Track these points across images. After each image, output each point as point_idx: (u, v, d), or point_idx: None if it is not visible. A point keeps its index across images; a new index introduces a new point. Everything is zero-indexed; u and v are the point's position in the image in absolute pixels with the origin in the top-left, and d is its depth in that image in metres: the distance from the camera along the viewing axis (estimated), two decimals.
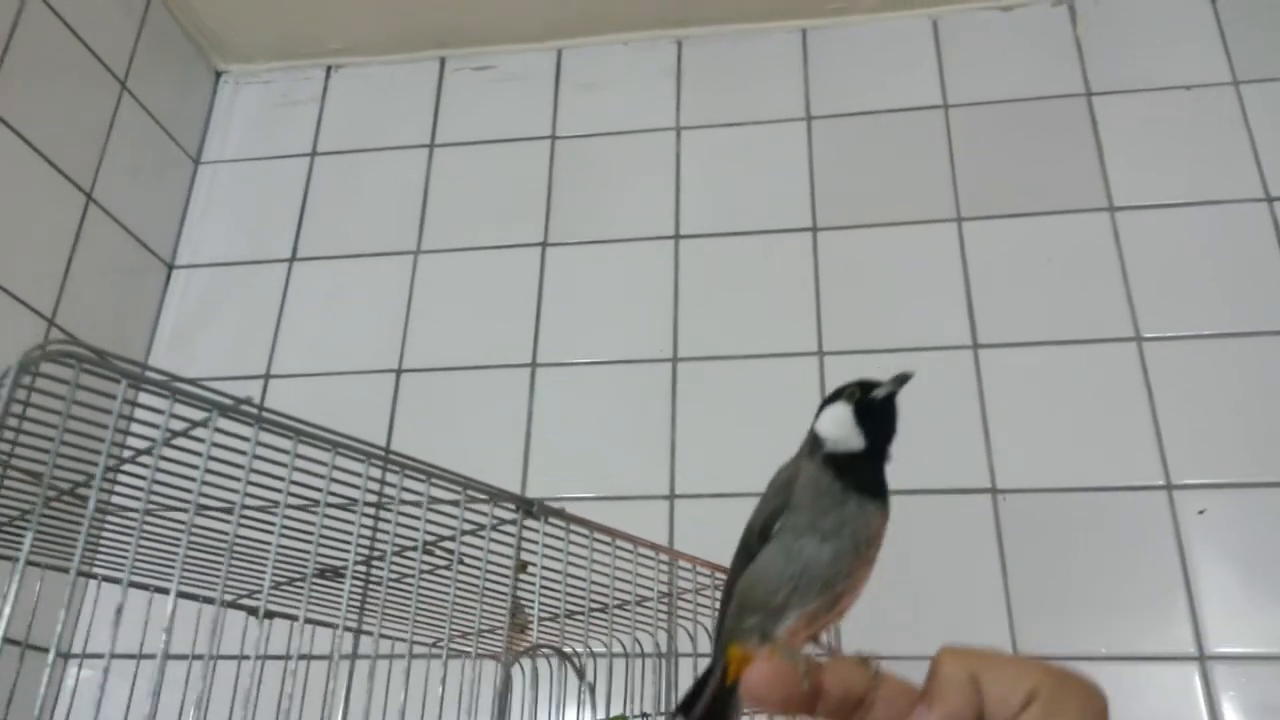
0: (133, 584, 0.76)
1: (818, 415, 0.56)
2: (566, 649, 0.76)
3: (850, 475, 0.51)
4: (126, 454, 0.55)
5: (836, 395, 0.56)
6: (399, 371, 1.46)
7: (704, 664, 0.82)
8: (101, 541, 0.70)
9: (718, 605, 0.81)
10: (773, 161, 1.53)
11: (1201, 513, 1.21)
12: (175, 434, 0.49)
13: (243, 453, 0.50)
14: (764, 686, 0.33)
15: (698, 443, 1.35)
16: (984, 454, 1.28)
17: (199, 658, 0.54)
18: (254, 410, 0.50)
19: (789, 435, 1.36)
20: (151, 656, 0.60)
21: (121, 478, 0.61)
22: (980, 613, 1.20)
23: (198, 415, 0.50)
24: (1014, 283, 1.38)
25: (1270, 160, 1.39)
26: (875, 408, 0.55)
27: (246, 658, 0.57)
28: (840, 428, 0.54)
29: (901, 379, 0.55)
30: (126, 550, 0.53)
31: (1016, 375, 1.32)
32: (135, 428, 0.54)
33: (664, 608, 0.75)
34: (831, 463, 0.53)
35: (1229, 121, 1.43)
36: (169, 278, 1.59)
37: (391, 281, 1.53)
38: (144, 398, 0.53)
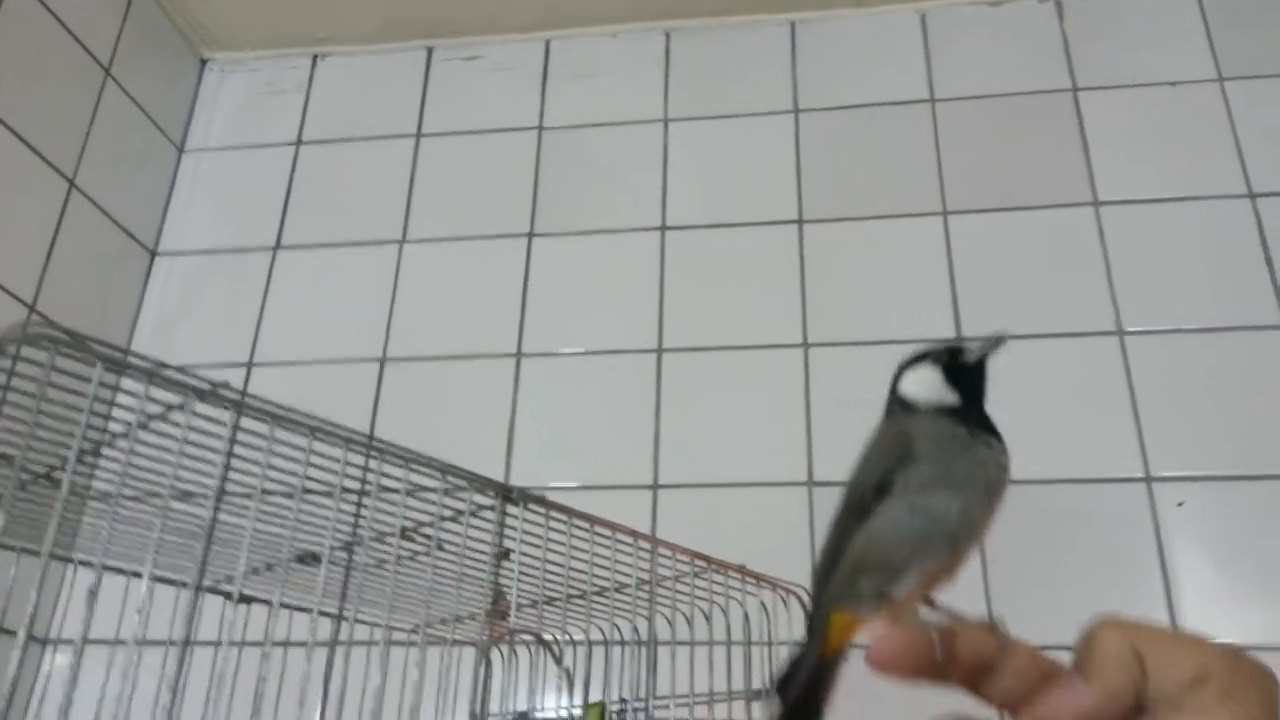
0: (108, 568, 0.76)
1: (896, 380, 0.51)
2: (545, 636, 0.77)
3: (966, 420, 0.47)
4: (105, 439, 0.55)
5: (918, 359, 0.51)
6: (383, 360, 1.46)
7: (682, 652, 0.83)
8: (79, 526, 0.70)
9: (697, 592, 0.81)
10: (760, 154, 1.53)
11: (1180, 505, 1.22)
12: (152, 418, 0.49)
13: (220, 437, 0.50)
14: (896, 656, 0.31)
15: (682, 433, 1.36)
16: None
17: (174, 644, 0.54)
18: (231, 395, 0.50)
19: (772, 424, 1.37)
20: (124, 643, 0.60)
21: (100, 462, 0.61)
22: (959, 600, 1.20)
23: (175, 400, 0.50)
24: (998, 276, 1.39)
25: (1253, 157, 1.39)
26: (967, 371, 0.50)
27: (221, 643, 0.57)
28: (930, 389, 0.50)
29: (997, 340, 0.52)
30: (101, 534, 0.53)
31: (999, 368, 1.32)
32: (115, 413, 0.54)
33: (643, 595, 0.75)
34: (946, 413, 0.48)
35: (1213, 118, 1.43)
36: (152, 265, 1.59)
37: (377, 270, 1.52)
38: (123, 383, 0.53)
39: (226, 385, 0.49)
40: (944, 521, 0.45)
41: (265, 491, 0.53)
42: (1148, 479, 1.24)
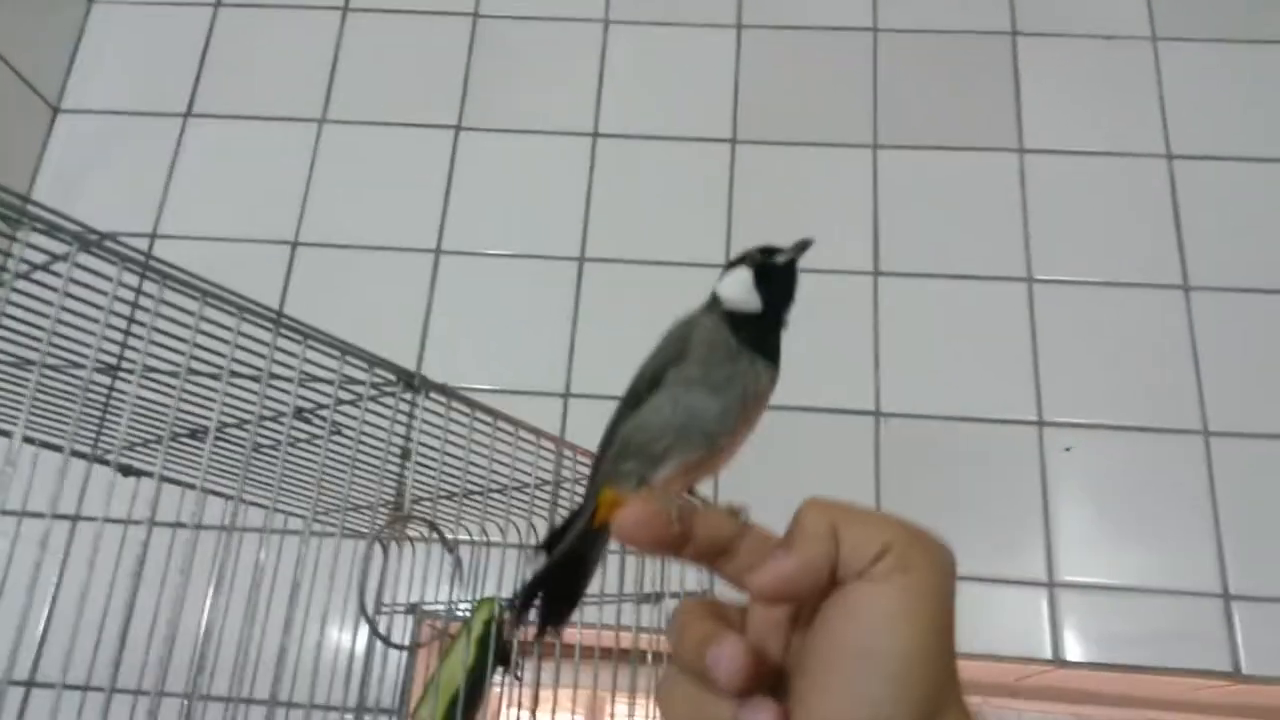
0: None
1: (720, 278, 0.56)
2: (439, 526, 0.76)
3: (746, 333, 0.52)
4: None
5: (740, 260, 0.56)
6: (295, 244, 1.41)
7: None
8: None
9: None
10: (699, 67, 1.50)
11: (1068, 450, 1.27)
12: (35, 267, 0.46)
13: (104, 293, 0.48)
14: (636, 526, 0.33)
15: (598, 344, 1.35)
16: (872, 378, 1.31)
17: (39, 515, 0.52)
18: (120, 248, 0.47)
19: None
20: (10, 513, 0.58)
21: None
22: None
23: (60, 250, 0.47)
24: (919, 214, 1.40)
25: (1176, 118, 1.42)
26: (775, 272, 0.55)
27: (93, 519, 0.55)
28: (740, 289, 0.54)
29: (802, 245, 0.56)
30: None
31: (912, 305, 1.35)
32: (6, 263, 0.51)
33: (541, 495, 0.75)
34: (729, 320, 0.53)
35: (1142, 76, 1.46)
36: (53, 122, 1.49)
37: (293, 148, 1.46)
38: (6, 231, 0.50)
39: (113, 236, 0.46)
40: (701, 418, 0.49)
41: (154, 358, 0.50)
42: (1040, 423, 1.28)
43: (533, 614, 0.55)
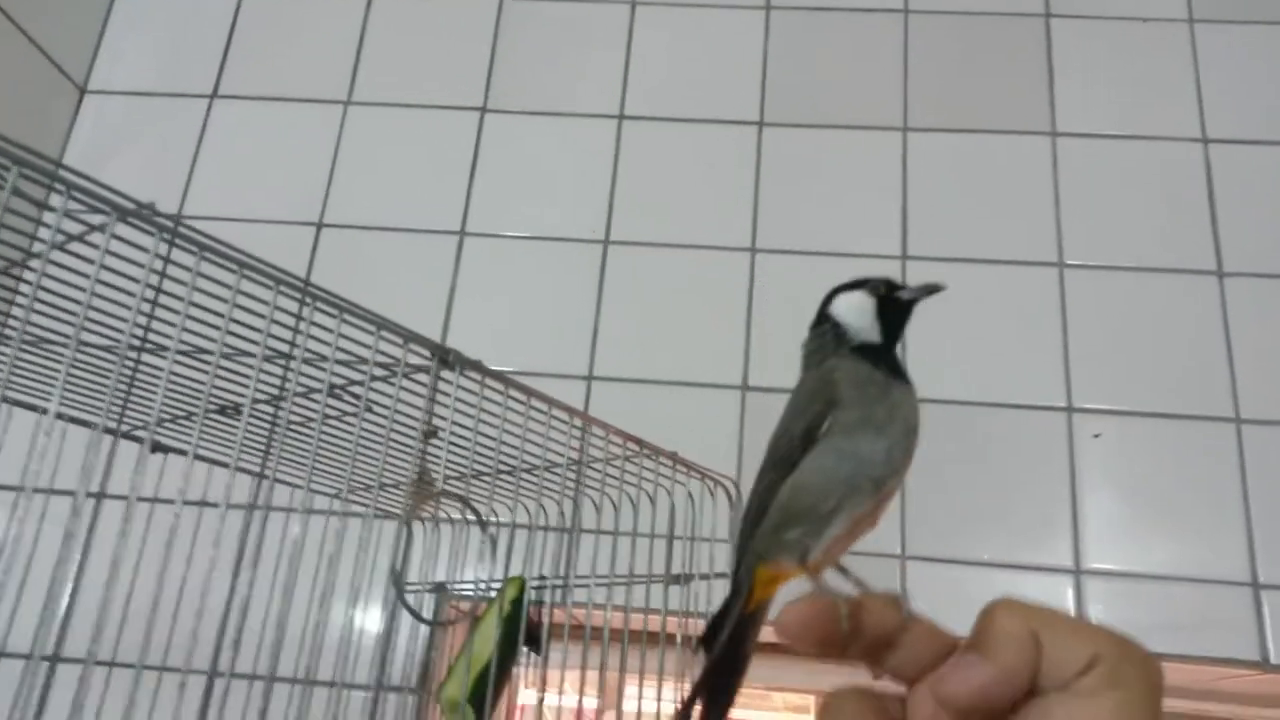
0: (16, 401, 0.73)
1: (829, 301, 0.53)
2: (471, 503, 0.76)
3: (882, 364, 0.49)
4: (20, 259, 0.52)
5: (856, 285, 0.53)
6: (319, 225, 1.41)
7: (606, 542, 0.83)
8: None
9: (627, 476, 0.81)
10: (727, 49, 1.49)
11: (1097, 436, 1.25)
12: (71, 238, 0.46)
13: (141, 265, 0.47)
14: (804, 627, 0.31)
15: (621, 327, 1.35)
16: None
17: (69, 494, 0.52)
18: (157, 217, 0.46)
19: (714, 326, 1.37)
20: (21, 489, 0.58)
21: (20, 287, 0.57)
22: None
23: (97, 221, 0.46)
24: (949, 198, 1.39)
25: (1212, 102, 1.40)
26: (898, 308, 0.52)
27: (127, 498, 0.55)
28: (863, 317, 0.51)
29: (931, 289, 0.53)
30: (5, 360, 0.49)
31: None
32: (44, 234, 0.50)
33: (572, 475, 0.75)
34: (864, 353, 0.50)
35: (1179, 59, 1.43)
36: (81, 102, 1.50)
37: (318, 130, 1.46)
38: (45, 202, 0.50)
39: (152, 206, 0.46)
40: (869, 463, 0.46)
41: (189, 332, 0.50)
42: (1069, 409, 1.27)
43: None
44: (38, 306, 0.52)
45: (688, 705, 0.49)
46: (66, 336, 0.52)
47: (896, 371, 0.49)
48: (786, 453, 0.48)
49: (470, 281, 1.38)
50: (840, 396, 0.47)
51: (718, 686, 0.50)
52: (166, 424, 0.77)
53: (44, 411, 0.71)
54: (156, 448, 0.78)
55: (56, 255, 0.50)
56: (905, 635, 0.32)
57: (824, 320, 0.52)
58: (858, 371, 0.48)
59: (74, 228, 0.48)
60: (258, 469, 0.82)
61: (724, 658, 0.49)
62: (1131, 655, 0.29)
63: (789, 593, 0.39)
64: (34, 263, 0.47)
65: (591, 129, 1.45)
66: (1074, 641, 0.29)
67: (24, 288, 0.55)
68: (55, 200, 0.45)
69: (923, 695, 0.31)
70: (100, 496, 0.96)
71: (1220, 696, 1.28)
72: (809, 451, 0.47)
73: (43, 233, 0.50)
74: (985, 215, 1.37)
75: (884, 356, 0.50)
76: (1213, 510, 1.21)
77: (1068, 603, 1.18)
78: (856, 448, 0.46)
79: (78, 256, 0.50)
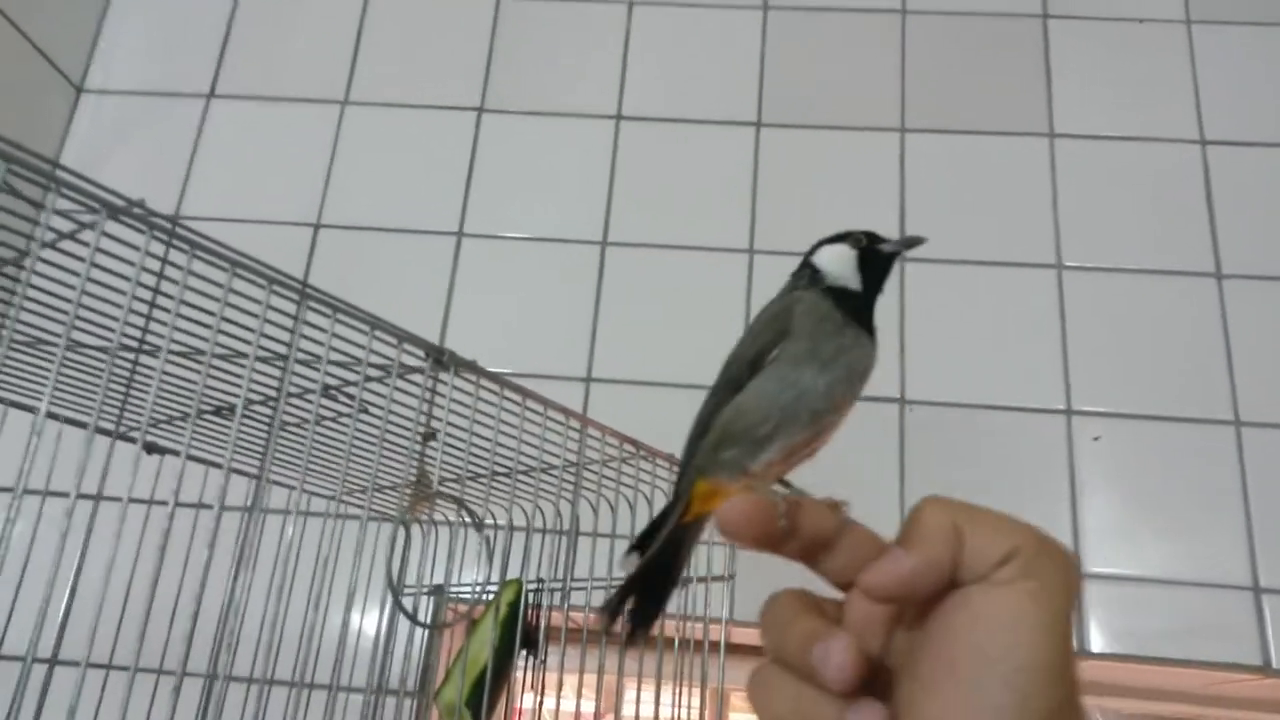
0: (6, 401, 0.72)
1: (813, 251, 0.54)
2: (468, 504, 0.75)
3: (849, 306, 0.50)
4: (12, 257, 0.51)
5: (840, 238, 0.55)
6: (317, 226, 1.40)
7: (604, 544, 0.83)
8: None
9: (624, 478, 0.81)
10: (724, 50, 1.49)
11: (1096, 439, 1.25)
12: (61, 235, 0.45)
13: (132, 264, 0.47)
14: (742, 521, 0.32)
15: (619, 328, 1.34)
16: (897, 365, 1.29)
17: (64, 495, 0.51)
18: (147, 215, 0.46)
19: (712, 328, 1.36)
20: (35, 491, 0.57)
21: (6, 284, 0.57)
22: (872, 514, 1.22)
23: (88, 219, 0.46)
24: (947, 199, 1.38)
25: (1209, 103, 1.40)
26: (879, 259, 0.53)
27: (116, 499, 0.54)
28: (842, 266, 0.52)
29: (911, 242, 0.54)
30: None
31: (938, 291, 1.33)
32: (23, 228, 0.50)
33: (569, 476, 0.74)
34: (831, 294, 0.51)
35: (1176, 60, 1.43)
36: (77, 101, 1.49)
37: (316, 129, 1.46)
38: (36, 199, 0.49)
39: (142, 203, 0.45)
40: (809, 394, 0.47)
41: (180, 330, 0.49)
42: (1068, 411, 1.27)
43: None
44: (30, 305, 0.51)
45: (617, 602, 0.51)
46: (59, 336, 0.52)
47: (860, 318, 0.50)
48: (735, 375, 0.51)
49: (468, 282, 1.37)
50: (793, 327, 0.49)
51: (650, 592, 0.51)
52: (162, 424, 0.76)
53: (36, 411, 0.71)
54: (151, 449, 0.77)
55: (49, 254, 0.50)
56: (842, 539, 0.33)
57: (805, 266, 0.54)
58: (818, 308, 0.50)
59: (66, 226, 0.47)
60: (253, 470, 0.81)
61: (658, 564, 0.51)
62: (1048, 549, 0.30)
63: None
64: (26, 261, 0.46)
65: (589, 129, 1.45)
66: (994, 534, 0.30)
67: (16, 286, 0.54)
68: (46, 198, 0.44)
69: (857, 596, 0.32)
70: (96, 498, 0.95)
71: (1222, 701, 1.27)
72: (755, 376, 0.49)
73: (36, 231, 0.49)
74: (983, 217, 1.37)
75: (854, 301, 0.51)
76: (1213, 513, 1.21)
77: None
78: (800, 378, 0.48)
79: (71, 255, 0.49)
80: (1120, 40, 1.45)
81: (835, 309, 0.50)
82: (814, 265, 0.54)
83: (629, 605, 0.51)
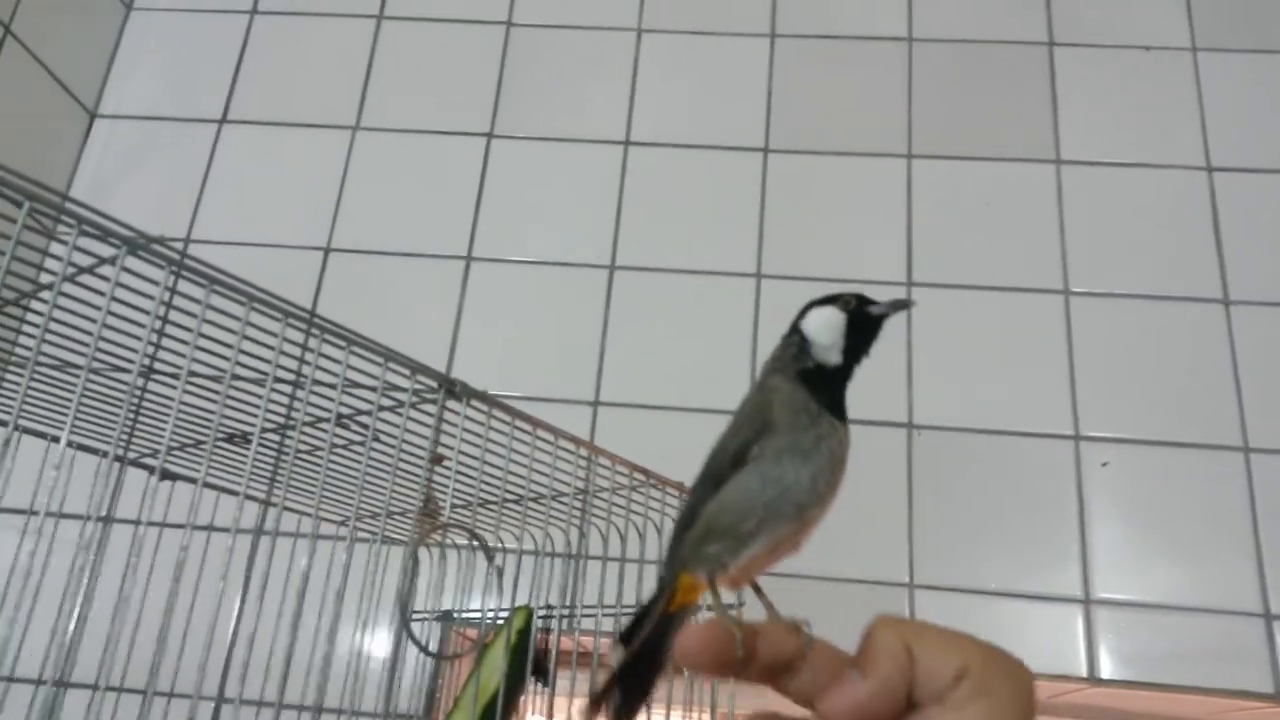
0: (28, 430, 0.73)
1: (803, 314, 0.55)
2: (478, 532, 0.76)
3: (823, 391, 0.50)
4: (31, 290, 0.52)
5: (829, 300, 0.54)
6: (327, 250, 1.42)
7: (613, 570, 0.83)
8: (4, 384, 0.66)
9: (634, 506, 0.81)
10: (732, 76, 1.50)
11: (1105, 465, 1.25)
12: (81, 270, 0.46)
13: (151, 298, 0.48)
14: (698, 651, 0.33)
15: (627, 352, 1.35)
16: (905, 390, 1.30)
17: (88, 518, 0.52)
18: (168, 250, 0.47)
19: (719, 352, 1.37)
20: (35, 513, 0.57)
21: (26, 317, 0.57)
22: (881, 539, 1.23)
23: (108, 253, 0.47)
24: (954, 225, 1.39)
25: (1216, 130, 1.41)
26: (868, 323, 0.53)
27: (139, 522, 0.55)
28: (830, 332, 0.52)
29: (899, 305, 0.54)
30: (20, 391, 0.49)
31: (945, 316, 1.34)
32: (50, 264, 0.51)
33: (579, 504, 0.74)
34: (805, 379, 0.51)
35: (1182, 87, 1.44)
36: (91, 127, 1.51)
37: (326, 155, 1.47)
38: (56, 233, 0.50)
39: (163, 240, 0.46)
40: (793, 489, 0.47)
41: (198, 362, 0.50)
42: (1076, 437, 1.27)
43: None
44: (47, 337, 0.52)
45: (601, 695, 0.51)
46: (77, 367, 0.53)
47: (835, 403, 0.50)
48: (718, 469, 0.50)
49: (476, 306, 1.38)
50: (774, 422, 0.49)
51: (636, 682, 0.51)
52: (174, 451, 0.77)
53: (55, 440, 0.71)
54: (165, 475, 0.78)
55: (65, 286, 0.50)
56: (805, 661, 0.33)
57: (795, 333, 0.54)
58: (794, 398, 0.50)
59: (82, 259, 0.48)
60: (263, 496, 0.82)
61: (643, 653, 0.51)
62: (997, 663, 0.30)
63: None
64: (45, 294, 0.47)
65: (598, 155, 1.46)
66: (943, 653, 0.30)
67: (34, 318, 0.55)
68: (65, 232, 0.45)
69: None
70: (108, 520, 0.96)
71: None
72: (738, 472, 0.49)
73: (50, 263, 0.50)
74: (990, 243, 1.37)
75: (831, 382, 0.51)
76: (1223, 539, 1.20)
77: (1077, 633, 1.17)
78: (782, 474, 0.47)
79: (86, 288, 0.50)
80: (1126, 67, 1.46)
81: (810, 398, 0.49)
82: (802, 332, 0.53)
83: (616, 698, 0.51)
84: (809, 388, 0.50)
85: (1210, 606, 1.17)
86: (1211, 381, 1.28)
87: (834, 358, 0.52)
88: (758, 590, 0.50)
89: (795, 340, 0.53)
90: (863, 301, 0.53)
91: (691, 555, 0.49)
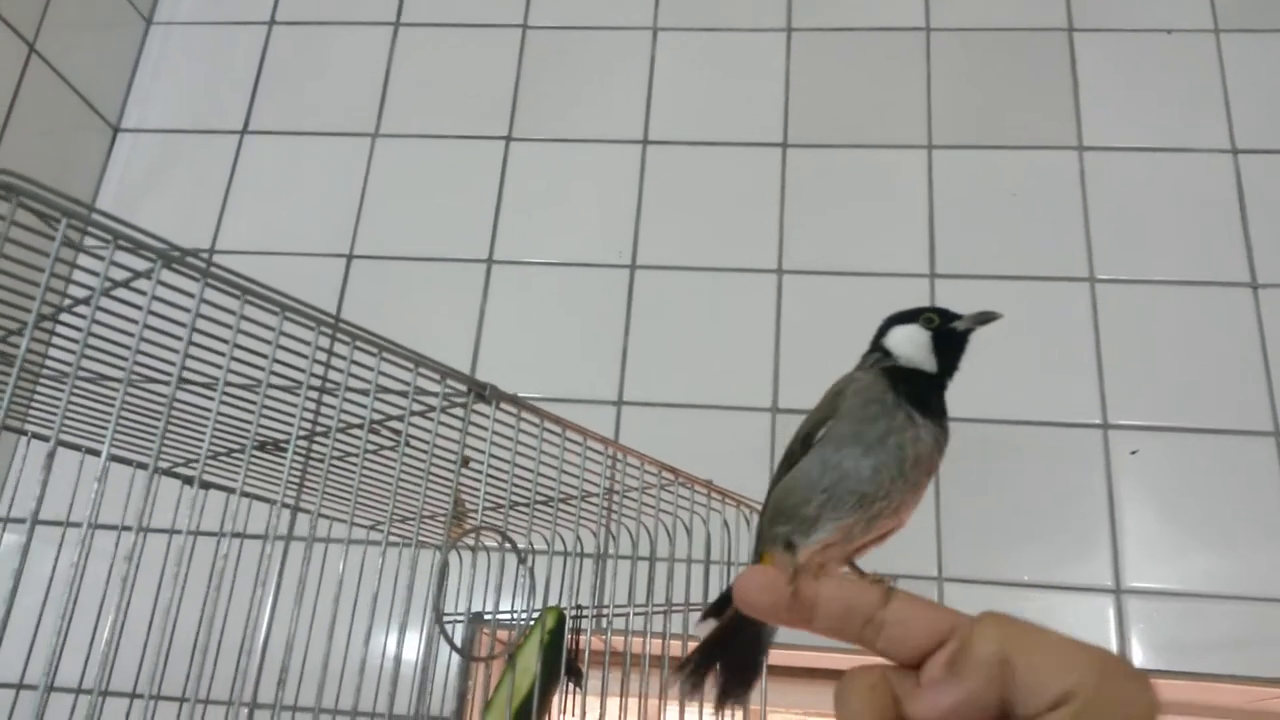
0: (63, 443, 0.74)
1: (883, 331, 0.53)
2: (510, 535, 0.76)
3: (908, 389, 0.48)
4: (65, 304, 0.53)
5: (910, 316, 0.53)
6: (350, 257, 1.43)
7: (643, 569, 0.83)
8: (35, 396, 0.68)
9: (663, 505, 0.82)
10: (749, 72, 1.50)
11: (1134, 453, 1.24)
12: (116, 284, 0.47)
13: (186, 309, 0.48)
14: (750, 590, 0.32)
15: (649, 351, 1.35)
16: None
17: (128, 529, 0.52)
18: (201, 263, 0.47)
19: (741, 349, 1.37)
20: (78, 525, 0.58)
21: (60, 330, 0.58)
22: (909, 531, 1.21)
23: (141, 267, 0.47)
24: (976, 215, 1.38)
25: (1240, 112, 1.39)
26: (954, 338, 0.52)
27: (178, 532, 0.56)
28: (916, 349, 0.51)
29: (986, 318, 0.53)
30: (59, 405, 0.50)
31: (970, 307, 1.32)
32: (78, 276, 0.52)
33: (608, 505, 0.75)
34: (889, 374, 0.50)
35: (1205, 69, 1.42)
36: (114, 141, 1.52)
37: (347, 163, 1.48)
38: (82, 254, 0.51)
39: (196, 253, 0.47)
40: (851, 478, 0.46)
41: (231, 372, 0.51)
42: (1105, 425, 1.26)
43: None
44: (78, 350, 0.53)
45: (699, 666, 0.51)
46: (114, 380, 0.53)
47: (923, 400, 0.48)
48: (791, 451, 0.51)
49: (499, 308, 1.39)
50: (841, 409, 0.48)
51: (738, 659, 0.51)
52: (208, 460, 0.78)
53: (92, 453, 0.73)
54: (204, 484, 0.79)
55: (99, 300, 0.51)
56: (887, 614, 0.31)
57: (876, 349, 0.53)
58: (870, 389, 0.49)
59: (115, 272, 0.49)
60: (292, 503, 0.83)
61: (736, 628, 0.51)
62: (1112, 685, 0.26)
63: None
64: (81, 309, 0.48)
65: (616, 154, 1.46)
66: (1047, 671, 0.27)
67: (65, 331, 0.56)
68: (98, 247, 0.46)
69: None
70: (145, 530, 0.97)
71: (1268, 717, 1.25)
72: (805, 455, 0.49)
73: (80, 275, 0.51)
74: (1013, 232, 1.37)
75: (924, 383, 0.50)
76: (1255, 526, 1.19)
77: (1108, 623, 1.17)
78: (840, 460, 0.47)
79: (120, 300, 0.51)
80: (1148, 51, 1.44)
81: (889, 390, 0.48)
82: (885, 348, 0.53)
83: (719, 674, 0.51)
84: (889, 381, 0.49)
85: (1244, 594, 1.16)
86: (1240, 366, 1.26)
87: (927, 366, 0.51)
88: (852, 566, 0.49)
89: (875, 355, 0.53)
90: (945, 317, 0.53)
91: (768, 533, 0.50)
